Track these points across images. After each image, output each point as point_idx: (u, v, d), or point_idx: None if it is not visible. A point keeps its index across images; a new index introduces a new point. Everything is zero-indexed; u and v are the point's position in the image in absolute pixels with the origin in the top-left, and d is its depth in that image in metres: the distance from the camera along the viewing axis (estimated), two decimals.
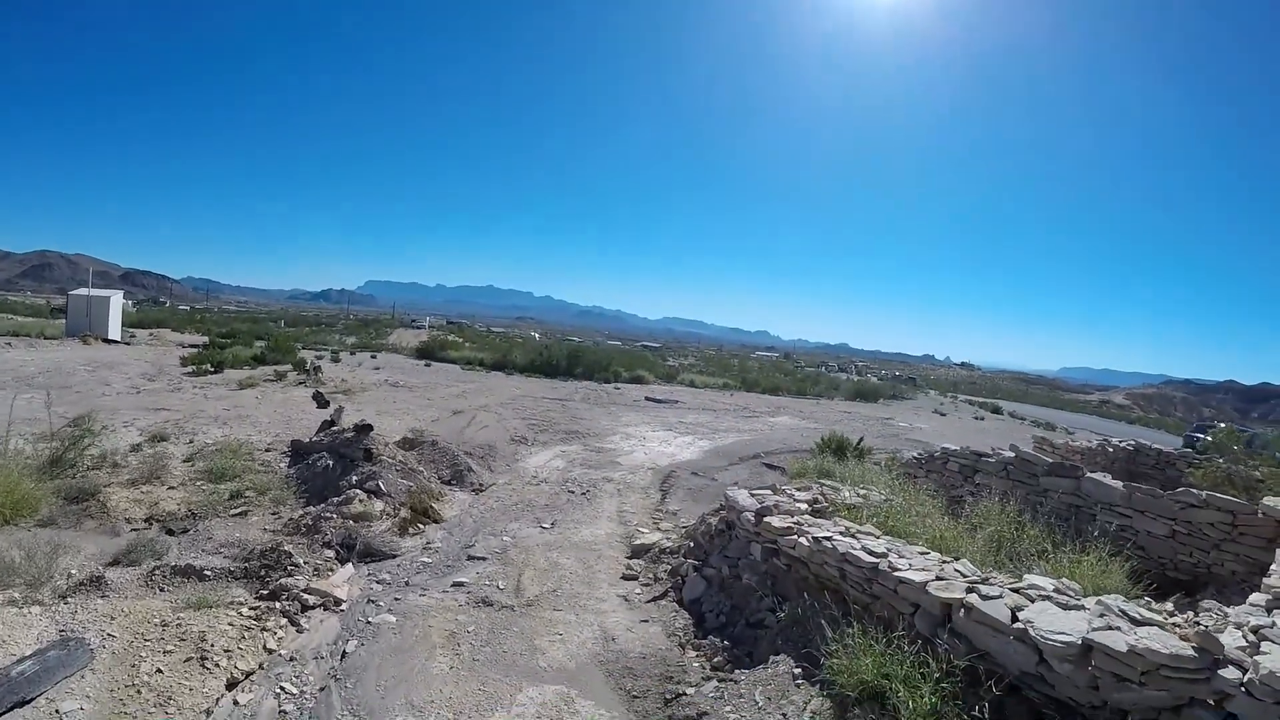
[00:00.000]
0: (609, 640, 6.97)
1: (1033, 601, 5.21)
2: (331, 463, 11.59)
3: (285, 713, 5.62)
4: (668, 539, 9.74)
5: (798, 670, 5.83)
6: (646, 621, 7.47)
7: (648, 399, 29.12)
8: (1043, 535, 8.20)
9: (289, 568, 7.83)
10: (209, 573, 7.59)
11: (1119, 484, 9.76)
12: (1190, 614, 5.79)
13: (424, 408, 20.53)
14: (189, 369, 24.02)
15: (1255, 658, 4.19)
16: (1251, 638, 4.58)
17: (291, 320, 76.90)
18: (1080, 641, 4.56)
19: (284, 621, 6.81)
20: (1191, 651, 4.23)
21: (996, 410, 50.35)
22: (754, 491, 8.85)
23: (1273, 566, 6.90)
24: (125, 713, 5.15)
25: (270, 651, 6.32)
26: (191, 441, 13.39)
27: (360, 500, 9.88)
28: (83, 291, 33.96)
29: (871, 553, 6.34)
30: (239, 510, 9.98)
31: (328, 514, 9.43)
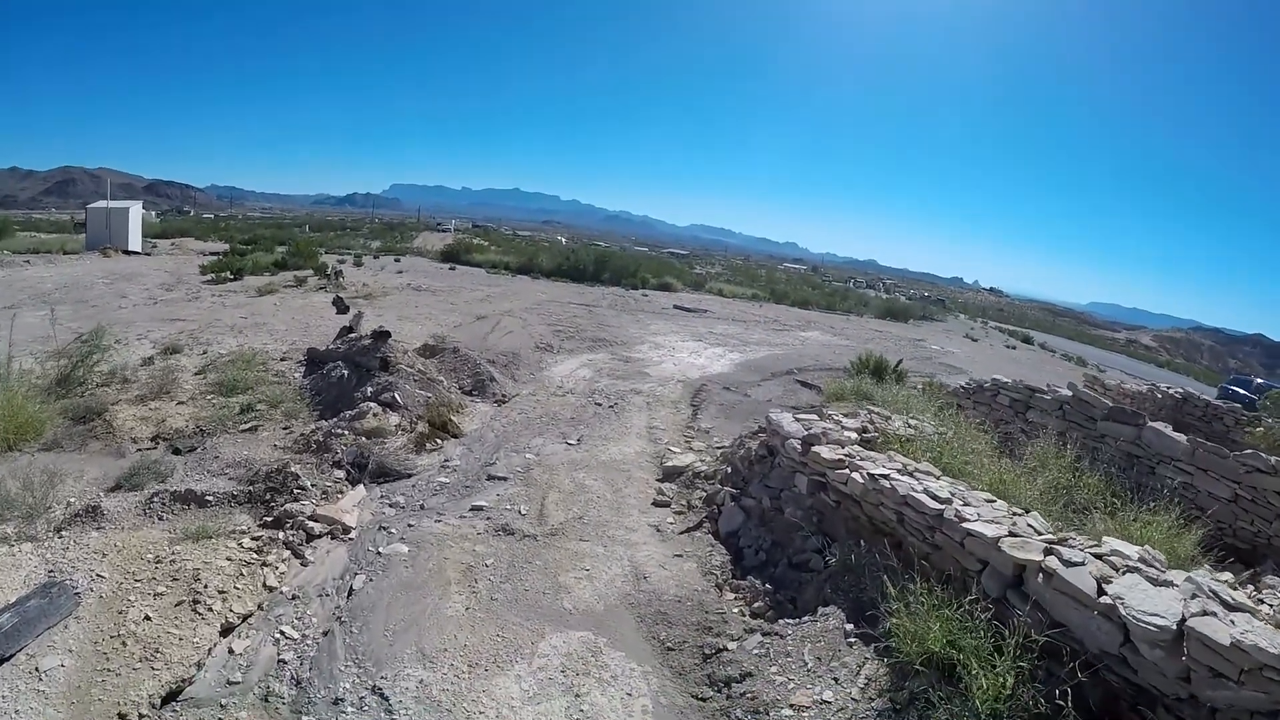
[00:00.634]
0: (640, 579, 6.37)
1: (1118, 571, 4.51)
2: (346, 373, 11.01)
3: (284, 662, 5.12)
4: (701, 461, 9.09)
5: (850, 627, 5.19)
6: (680, 556, 6.85)
7: (676, 307, 28.31)
8: (1102, 485, 7.56)
9: (295, 491, 7.31)
10: (211, 498, 7.11)
11: (1183, 438, 8.97)
12: (1252, 589, 5.09)
13: (447, 313, 19.92)
14: (208, 277, 23.52)
15: None
16: None
17: (316, 225, 76.28)
18: (1175, 627, 3.91)
19: (287, 554, 6.31)
20: None
21: (1027, 340, 48.81)
22: (799, 415, 8.11)
23: None
24: (108, 669, 4.67)
25: (271, 589, 5.83)
26: (205, 352, 12.90)
27: (374, 414, 9.32)
28: (101, 204, 33.08)
29: (935, 497, 5.63)
30: (249, 425, 9.50)
31: (339, 430, 8.88)
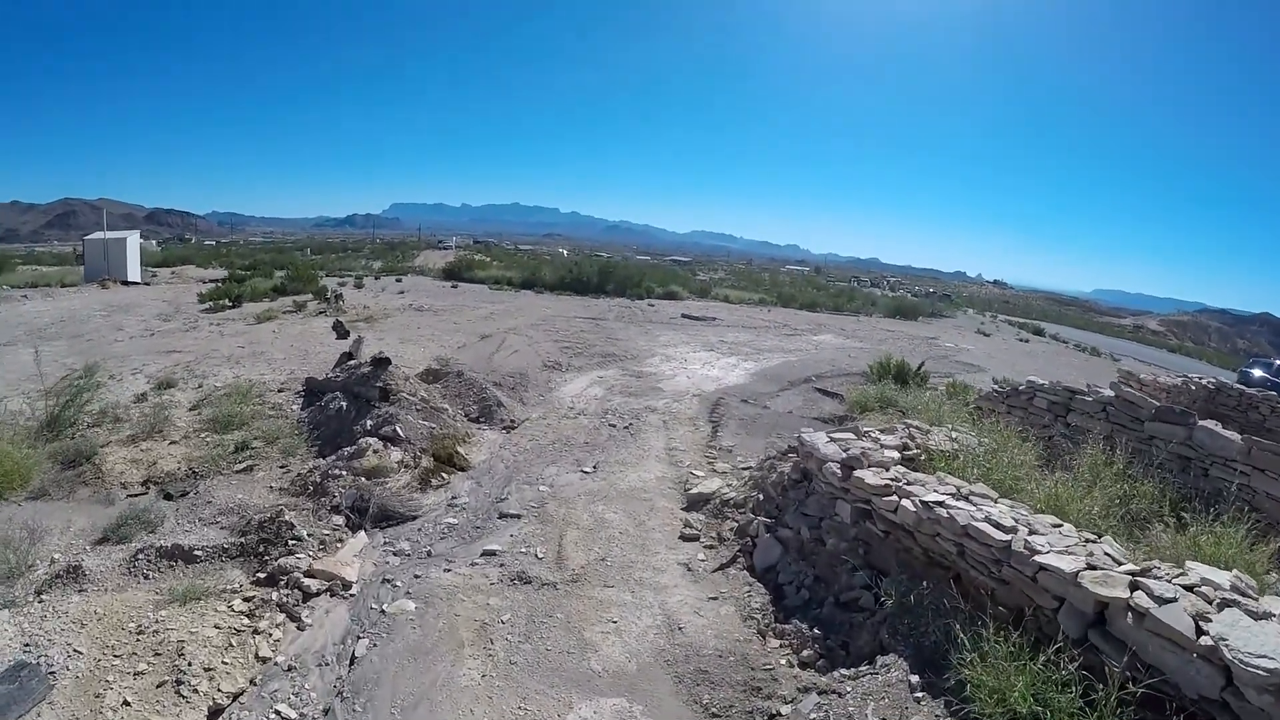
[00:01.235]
0: (674, 629, 5.70)
1: (1212, 605, 3.96)
2: (345, 404, 10.42)
3: None
4: (729, 486, 8.45)
5: (915, 679, 4.54)
6: (716, 599, 6.20)
7: (684, 316, 27.80)
8: (1157, 493, 7.02)
9: (290, 543, 6.71)
10: (200, 553, 6.55)
11: (1237, 436, 8.34)
12: None
13: (450, 333, 19.39)
14: (206, 306, 23.06)
15: None
16: None
17: (317, 248, 76.06)
18: None
19: (281, 618, 5.70)
20: None
21: (1038, 332, 48.24)
22: (833, 435, 7.45)
23: None
24: None
25: (264, 660, 5.21)
26: (200, 385, 12.38)
27: (374, 451, 8.69)
28: (98, 235, 32.67)
29: (999, 526, 5.03)
30: (243, 465, 8.97)
31: (336, 470, 8.27)
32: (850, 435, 7.42)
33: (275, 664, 5.20)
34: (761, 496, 7.69)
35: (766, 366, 17.50)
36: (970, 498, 5.66)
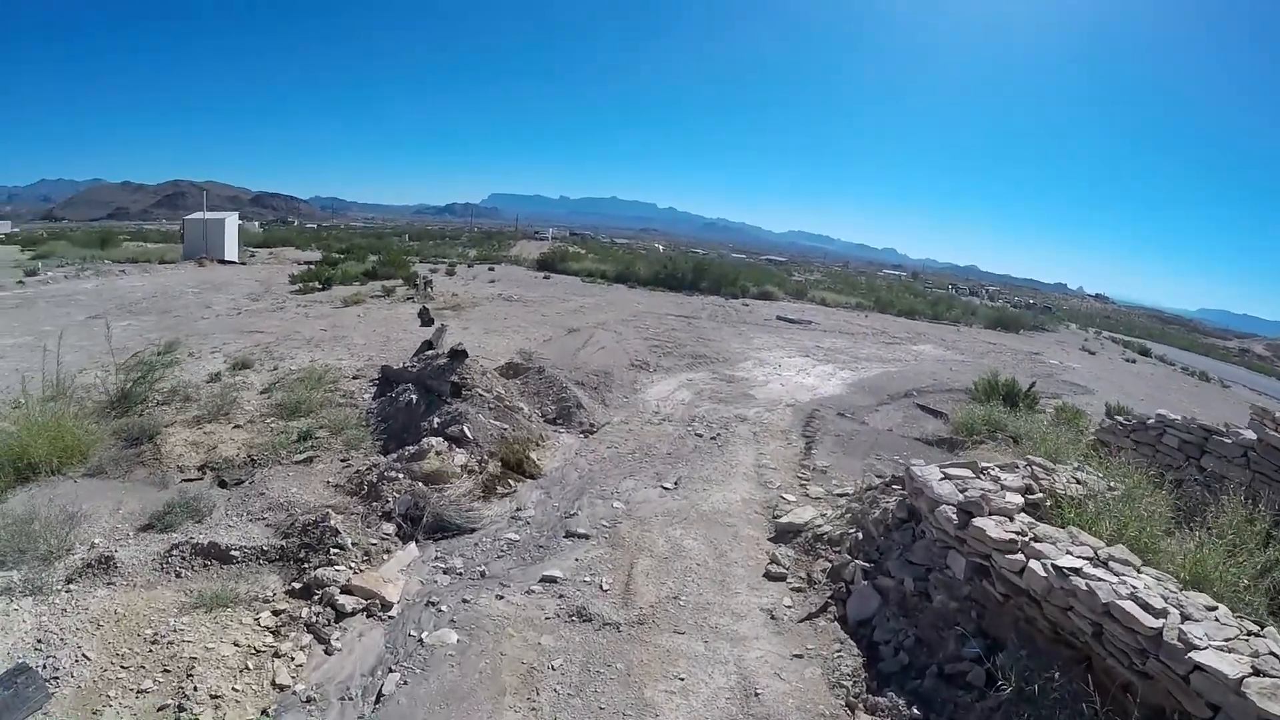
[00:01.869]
0: (750, 695, 4.78)
1: None
2: (415, 398, 9.82)
3: None
4: (823, 516, 7.49)
5: None
6: (801, 657, 5.25)
7: (779, 318, 26.76)
8: None
9: (332, 551, 6.09)
10: (236, 553, 6.04)
11: None
12: None
13: (537, 325, 18.85)
14: (296, 287, 23.15)
15: None
16: None
17: (415, 235, 77.39)
18: None
19: (308, 639, 5.08)
20: None
21: (1145, 352, 45.54)
22: (948, 470, 6.40)
23: None
24: None
25: (281, 688, 4.59)
26: (276, 368, 12.05)
27: (436, 453, 8.03)
28: (198, 215, 33.61)
29: (1148, 608, 4.04)
30: (304, 456, 8.45)
31: (393, 471, 7.62)
32: (967, 472, 6.33)
33: (293, 693, 4.58)
34: (860, 535, 6.67)
35: (864, 377, 16.41)
36: (1109, 563, 4.65)
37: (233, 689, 4.45)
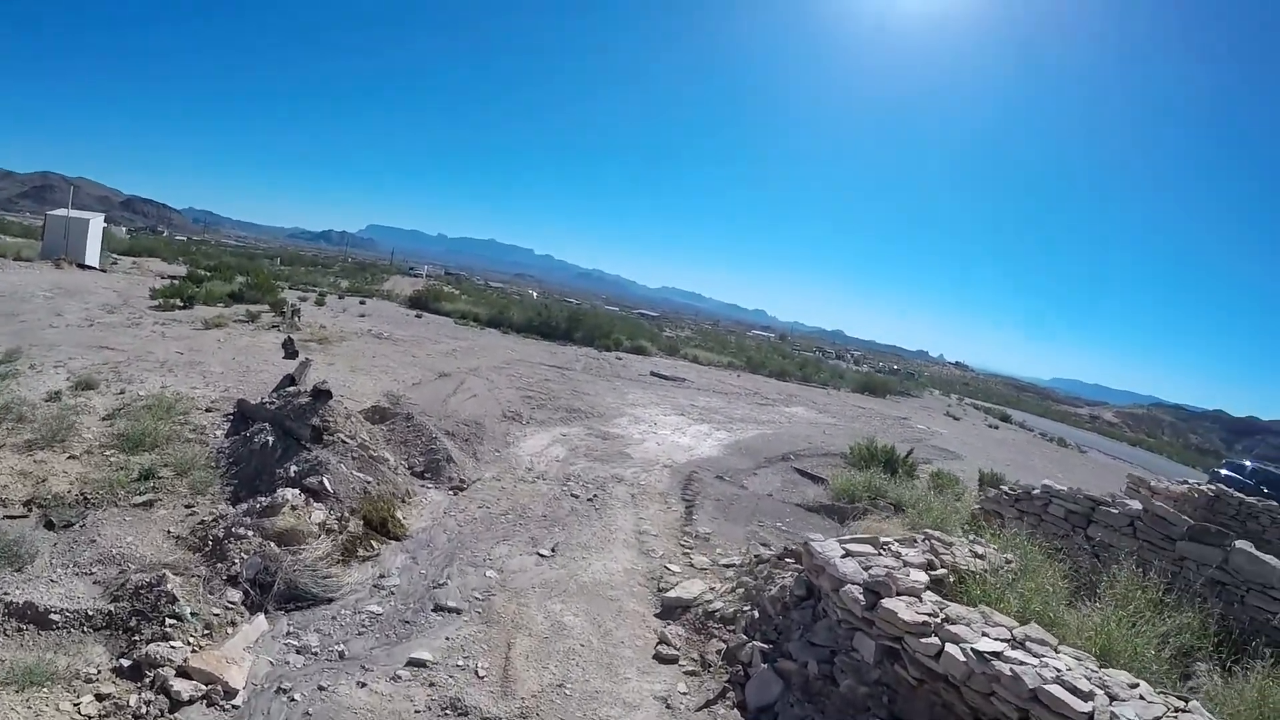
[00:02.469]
0: None
1: None
2: (272, 439, 9.06)
3: None
4: (712, 591, 7.26)
5: None
6: None
7: (653, 374, 26.82)
8: (1197, 625, 6.23)
9: (168, 622, 5.41)
10: (57, 617, 5.30)
11: (1277, 561, 7.57)
12: None
13: (407, 366, 18.08)
14: (156, 303, 21.65)
15: None
16: None
17: (289, 259, 74.45)
18: None
19: None
20: None
21: (1006, 418, 48.85)
22: (849, 546, 6.27)
23: None
24: None
25: None
26: (123, 392, 11.01)
27: (292, 508, 7.34)
28: (61, 212, 31.31)
29: (1075, 692, 4.05)
30: (144, 499, 7.63)
31: (242, 527, 6.90)
32: (869, 548, 6.23)
33: None
34: (756, 613, 6.44)
35: (741, 438, 16.53)
36: (1027, 644, 4.66)
37: None
